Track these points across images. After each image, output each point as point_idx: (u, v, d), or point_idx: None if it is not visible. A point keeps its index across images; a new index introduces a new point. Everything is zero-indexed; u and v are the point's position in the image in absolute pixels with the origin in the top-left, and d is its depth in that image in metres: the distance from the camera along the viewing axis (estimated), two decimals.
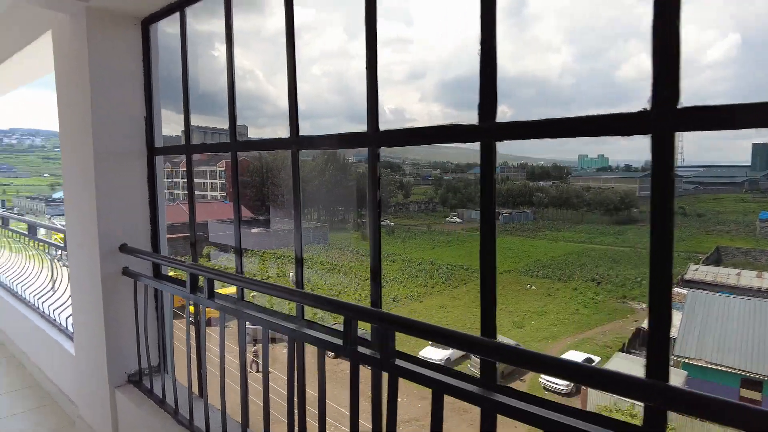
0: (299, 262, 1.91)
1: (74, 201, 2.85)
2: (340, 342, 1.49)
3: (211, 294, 2.04)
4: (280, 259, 28.12)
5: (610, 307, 23.71)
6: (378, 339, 1.63)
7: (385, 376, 1.43)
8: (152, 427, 2.41)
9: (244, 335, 1.86)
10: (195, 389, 2.37)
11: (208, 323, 2.88)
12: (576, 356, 17.33)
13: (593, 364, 16.77)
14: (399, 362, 1.35)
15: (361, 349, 1.45)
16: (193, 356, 2.36)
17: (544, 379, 15.21)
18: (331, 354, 1.56)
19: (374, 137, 1.56)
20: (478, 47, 1.31)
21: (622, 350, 17.95)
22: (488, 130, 1.29)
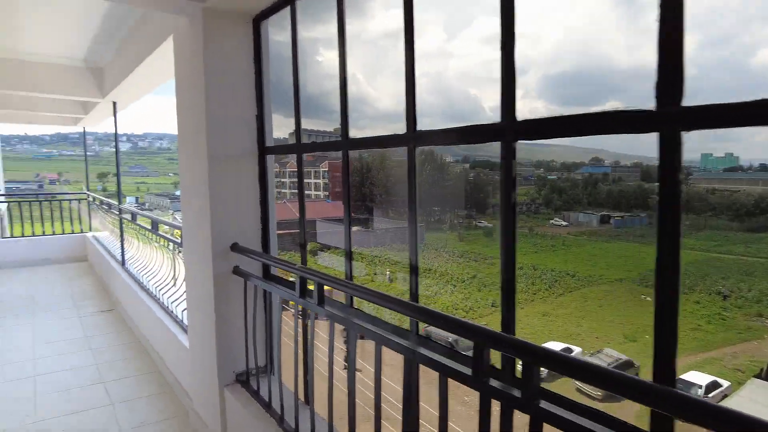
0: (414, 271, 1.71)
1: (190, 200, 2.93)
2: (467, 370, 1.27)
3: (321, 300, 1.92)
4: (378, 257, 28.46)
5: (741, 325, 20.86)
6: (507, 363, 1.40)
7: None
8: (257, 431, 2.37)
9: (354, 348, 1.71)
10: (300, 394, 2.30)
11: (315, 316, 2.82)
12: (699, 378, 15.43)
13: (721, 388, 14.86)
14: (544, 404, 1.10)
15: (493, 382, 1.22)
16: (300, 351, 2.29)
17: None
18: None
19: (511, 129, 1.32)
20: (657, 11, 1.03)
21: (758, 376, 15.68)
22: (671, 116, 1.00)
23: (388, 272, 24.54)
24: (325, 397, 2.05)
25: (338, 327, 1.93)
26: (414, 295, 1.70)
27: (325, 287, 1.97)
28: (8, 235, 8.88)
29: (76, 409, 3.47)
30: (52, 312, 5.84)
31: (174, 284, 4.42)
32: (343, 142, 2.04)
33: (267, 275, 2.71)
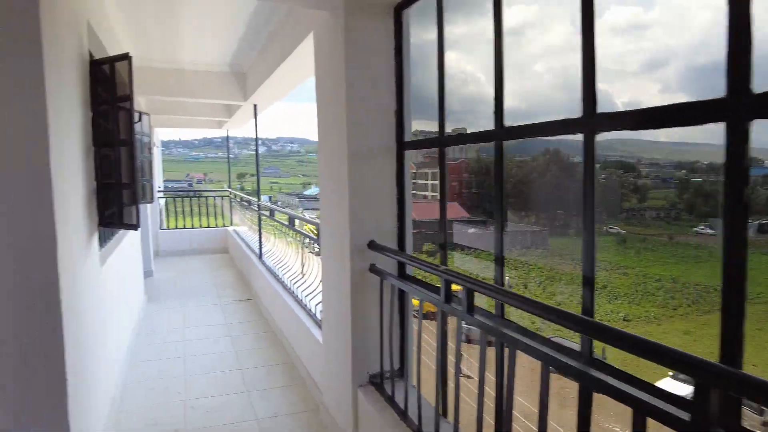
0: (588, 283, 1.45)
1: (328, 197, 2.92)
2: (680, 413, 1.00)
3: (471, 307, 1.73)
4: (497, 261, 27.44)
5: None
6: (729, 405, 1.08)
7: None
8: None
9: (513, 368, 1.49)
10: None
11: (425, 316, 2.67)
12: None
13: None
14: None
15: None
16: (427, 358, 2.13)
17: None
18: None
19: (744, 103, 1.01)
20: None
21: None
22: None
23: (507, 277, 23.57)
24: (465, 412, 1.88)
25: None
26: (588, 311, 1.44)
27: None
28: (165, 227, 10.04)
29: (218, 392, 3.69)
30: (198, 298, 6.41)
31: (303, 277, 4.57)
32: (497, 131, 1.83)
33: (402, 275, 2.59)
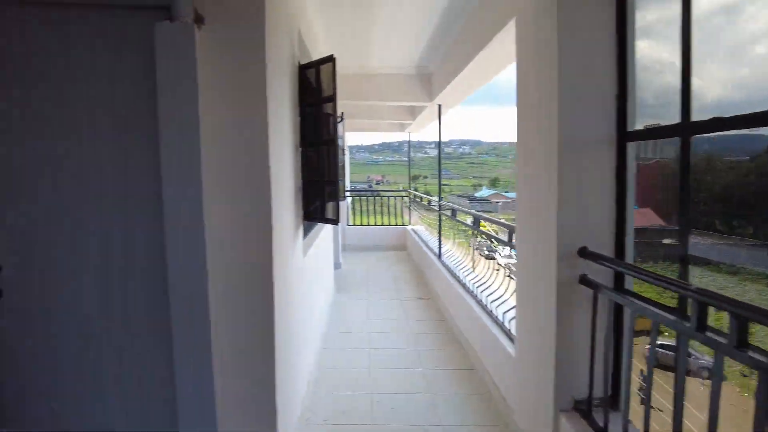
0: None
1: (528, 197, 2.66)
2: None
3: (744, 341, 1.33)
4: (698, 275, 23.60)
5: None
6: None
7: None
8: None
9: None
10: None
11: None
12: None
13: None
14: None
15: None
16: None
17: None
18: None
19: None
20: None
21: None
22: None
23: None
24: None
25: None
26: None
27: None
28: (350, 223, 10.76)
29: (402, 390, 3.68)
30: (380, 292, 6.66)
31: (474, 275, 4.37)
32: None
33: (619, 288, 2.20)
